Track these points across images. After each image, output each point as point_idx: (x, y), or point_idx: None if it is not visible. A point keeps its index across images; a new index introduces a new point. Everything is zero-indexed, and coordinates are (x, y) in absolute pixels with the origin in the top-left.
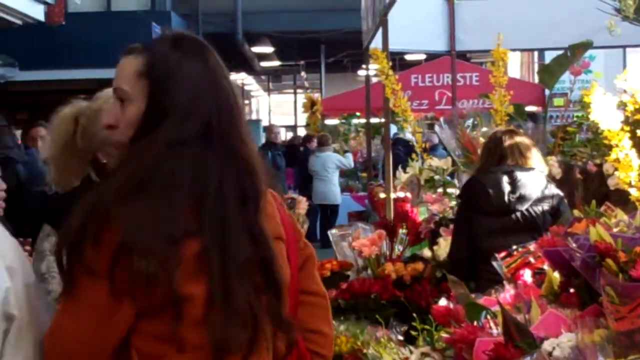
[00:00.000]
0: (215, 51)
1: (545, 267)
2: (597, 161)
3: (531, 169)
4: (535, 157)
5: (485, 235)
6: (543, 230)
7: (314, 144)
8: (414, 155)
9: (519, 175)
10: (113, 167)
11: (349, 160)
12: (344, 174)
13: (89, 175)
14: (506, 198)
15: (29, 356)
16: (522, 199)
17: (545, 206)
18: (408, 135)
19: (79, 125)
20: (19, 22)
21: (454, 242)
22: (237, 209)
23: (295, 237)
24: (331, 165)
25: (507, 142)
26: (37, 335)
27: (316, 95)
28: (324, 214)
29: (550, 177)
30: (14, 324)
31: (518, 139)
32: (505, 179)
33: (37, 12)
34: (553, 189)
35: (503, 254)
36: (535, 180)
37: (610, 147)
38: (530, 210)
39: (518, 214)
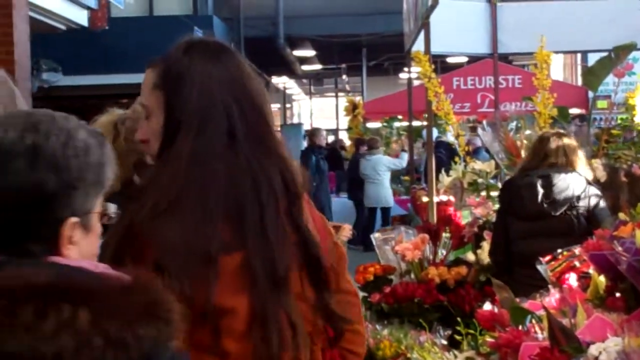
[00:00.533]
0: (238, 53)
1: (591, 271)
2: None
3: (571, 171)
4: (580, 160)
5: (520, 239)
6: (578, 234)
7: (365, 147)
8: (456, 159)
9: (556, 178)
10: (145, 183)
11: (402, 161)
12: None
13: (132, 179)
14: (539, 202)
15: None
16: (556, 203)
17: (581, 209)
18: (450, 138)
19: (119, 132)
20: (62, 27)
21: (492, 244)
22: (278, 212)
23: (327, 237)
24: (382, 168)
25: (553, 144)
26: None
27: (358, 99)
28: (372, 217)
29: (595, 181)
30: None
31: (565, 141)
32: (540, 183)
33: (81, 17)
34: (591, 192)
35: (548, 257)
36: (572, 184)
37: None
38: (565, 214)
39: (552, 217)
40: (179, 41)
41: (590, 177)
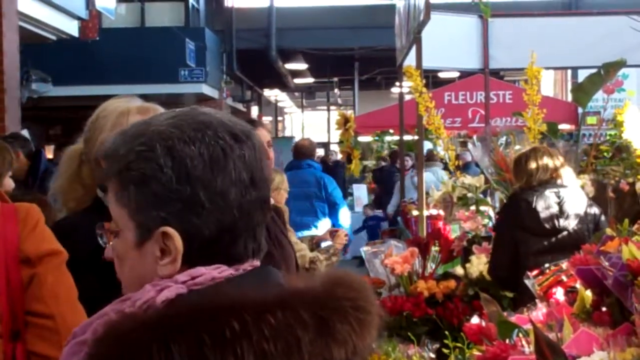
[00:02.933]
0: None
1: (578, 285)
2: (630, 180)
3: (573, 186)
4: (570, 175)
5: (533, 255)
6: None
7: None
8: (447, 173)
9: (564, 193)
10: None
11: None
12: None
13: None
14: (555, 218)
15: None
16: (568, 218)
17: (590, 224)
18: (440, 152)
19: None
20: (53, 37)
21: (495, 259)
22: None
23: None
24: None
25: (541, 160)
26: None
27: (349, 112)
28: None
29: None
30: None
31: (549, 158)
32: (553, 199)
33: (71, 28)
34: (594, 207)
35: (535, 272)
36: (578, 199)
37: None
38: (577, 228)
39: (565, 233)
40: None
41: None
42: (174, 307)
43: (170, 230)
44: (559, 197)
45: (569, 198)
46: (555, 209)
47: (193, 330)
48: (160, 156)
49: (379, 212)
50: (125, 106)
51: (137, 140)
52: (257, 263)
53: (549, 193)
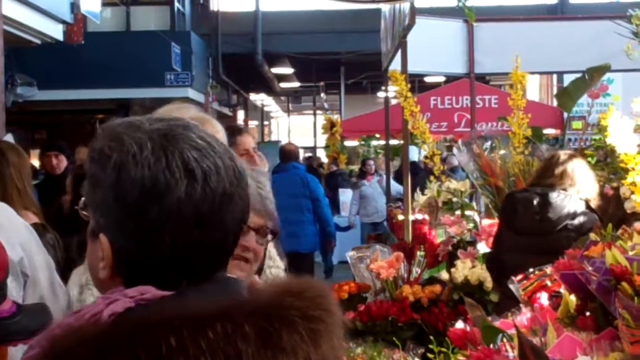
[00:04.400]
0: None
1: (562, 290)
2: (614, 184)
3: (572, 192)
4: (588, 182)
5: (511, 251)
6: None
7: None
8: (432, 178)
9: (553, 197)
10: None
11: None
12: None
13: None
14: (534, 219)
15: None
16: (549, 221)
17: (572, 233)
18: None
19: None
20: (37, 41)
21: (489, 253)
22: None
23: None
24: None
25: (561, 164)
26: (41, 289)
27: (335, 117)
28: None
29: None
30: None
31: (574, 162)
32: (536, 200)
33: (56, 32)
34: (587, 216)
35: (520, 276)
36: (569, 205)
37: (626, 171)
38: (559, 233)
39: (545, 235)
40: None
41: (595, 201)
42: (117, 322)
43: (102, 238)
44: (545, 199)
45: (558, 202)
46: (535, 211)
47: (130, 346)
48: (110, 166)
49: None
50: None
51: (108, 140)
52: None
53: (536, 195)
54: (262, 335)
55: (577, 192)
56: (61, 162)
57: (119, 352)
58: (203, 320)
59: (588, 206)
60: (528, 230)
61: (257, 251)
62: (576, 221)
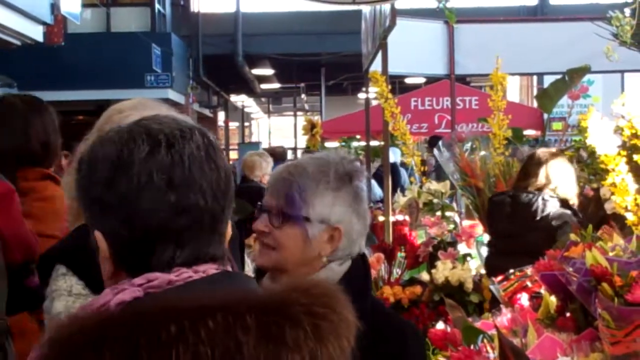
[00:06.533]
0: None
1: (542, 291)
2: (595, 185)
3: (545, 192)
4: (565, 180)
5: (490, 255)
6: (541, 256)
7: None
8: (412, 179)
9: (522, 198)
10: None
11: None
12: None
13: None
14: (505, 221)
15: None
16: (519, 223)
17: (543, 233)
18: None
19: None
20: (17, 42)
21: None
22: None
23: None
24: None
25: (537, 164)
26: None
27: (316, 118)
28: None
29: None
30: None
31: (552, 161)
32: (507, 202)
33: (36, 33)
34: (561, 215)
35: (500, 277)
36: (538, 205)
37: (607, 172)
38: (529, 235)
39: (516, 238)
40: None
41: (575, 199)
42: (122, 310)
43: (96, 233)
44: (516, 201)
45: (527, 205)
46: (506, 214)
47: (130, 333)
48: (83, 162)
49: None
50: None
51: (84, 151)
52: (223, 267)
53: (508, 198)
54: (264, 328)
55: (553, 191)
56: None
57: (119, 339)
58: (204, 310)
59: (567, 205)
60: (502, 233)
61: (276, 236)
62: (547, 221)
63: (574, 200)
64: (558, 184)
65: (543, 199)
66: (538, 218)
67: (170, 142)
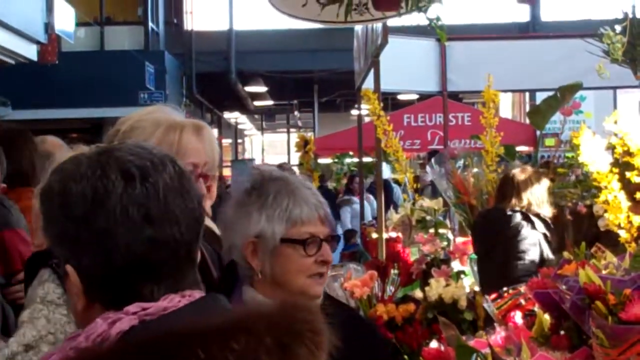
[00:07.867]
0: None
1: (536, 309)
2: (587, 202)
3: (512, 209)
4: (535, 197)
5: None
6: (509, 272)
7: None
8: (405, 196)
9: (489, 216)
10: None
11: None
12: None
13: None
14: (476, 240)
15: None
16: (484, 241)
17: (509, 249)
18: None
19: None
20: (11, 61)
21: None
22: None
23: None
24: None
25: (508, 182)
26: None
27: (309, 135)
28: None
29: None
30: None
31: (520, 178)
32: (479, 221)
33: (30, 52)
34: (523, 231)
35: (494, 295)
36: (506, 223)
37: (599, 189)
38: (493, 252)
39: (485, 255)
40: None
41: (548, 214)
42: (131, 339)
43: (68, 267)
44: (484, 221)
45: (492, 223)
46: (477, 233)
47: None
48: (55, 194)
49: None
50: (173, 120)
51: (50, 176)
52: (197, 293)
53: (480, 217)
54: (282, 349)
55: (524, 208)
56: None
57: None
58: (227, 333)
59: (530, 223)
60: (476, 251)
61: (329, 261)
62: (510, 246)
63: (549, 215)
64: (529, 200)
65: (511, 215)
66: (505, 236)
67: (144, 175)
